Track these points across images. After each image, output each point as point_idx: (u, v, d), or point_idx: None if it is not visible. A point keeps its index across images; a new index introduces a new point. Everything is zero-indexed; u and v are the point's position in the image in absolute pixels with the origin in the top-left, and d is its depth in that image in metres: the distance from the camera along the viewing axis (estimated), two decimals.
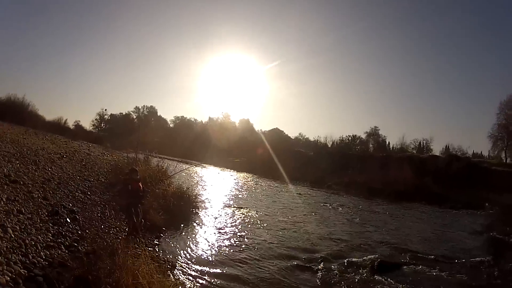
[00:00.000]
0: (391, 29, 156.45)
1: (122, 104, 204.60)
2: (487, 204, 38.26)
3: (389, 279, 11.48)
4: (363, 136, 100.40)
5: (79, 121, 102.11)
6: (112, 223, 9.98)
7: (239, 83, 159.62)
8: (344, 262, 12.82)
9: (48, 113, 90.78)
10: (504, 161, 67.10)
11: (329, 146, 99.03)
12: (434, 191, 42.68)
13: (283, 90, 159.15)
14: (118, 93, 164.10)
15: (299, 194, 36.17)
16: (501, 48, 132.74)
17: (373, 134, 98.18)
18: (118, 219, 10.73)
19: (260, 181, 46.34)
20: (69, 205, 11.55)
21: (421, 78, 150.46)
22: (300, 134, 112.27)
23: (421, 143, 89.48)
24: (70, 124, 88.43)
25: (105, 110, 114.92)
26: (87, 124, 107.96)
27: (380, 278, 11.59)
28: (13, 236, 7.59)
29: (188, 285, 8.71)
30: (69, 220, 10.09)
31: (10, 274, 6.06)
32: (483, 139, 72.71)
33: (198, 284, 8.99)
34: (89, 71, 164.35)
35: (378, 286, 10.95)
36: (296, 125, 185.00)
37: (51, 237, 8.44)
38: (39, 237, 8.14)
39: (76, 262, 7.22)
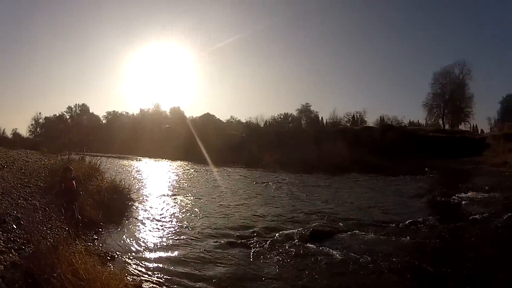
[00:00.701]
0: (319, 10, 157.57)
1: (57, 104, 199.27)
2: (426, 169, 39.40)
3: (320, 247, 12.05)
4: (295, 113, 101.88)
5: (17, 129, 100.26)
6: (53, 223, 10.55)
7: (169, 72, 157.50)
8: (277, 235, 13.47)
9: None
10: (442, 127, 70.18)
11: (262, 126, 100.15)
12: (370, 162, 43.96)
13: (212, 75, 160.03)
14: (51, 94, 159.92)
15: (232, 175, 37.23)
16: (432, 20, 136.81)
17: (305, 110, 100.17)
18: (59, 220, 11.13)
19: (193, 167, 46.86)
20: (13, 212, 11.96)
21: (351, 51, 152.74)
22: (231, 117, 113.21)
23: (355, 116, 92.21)
24: (8, 133, 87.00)
25: (40, 113, 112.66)
26: (24, 131, 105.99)
27: (312, 245, 12.19)
28: None
29: (127, 273, 9.41)
30: (15, 226, 10.66)
31: None
32: (417, 108, 75.35)
33: (136, 271, 9.82)
34: (17, 73, 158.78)
35: (310, 253, 11.49)
36: (229, 109, 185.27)
37: (2, 243, 9.16)
38: None
39: (25, 262, 8.17)
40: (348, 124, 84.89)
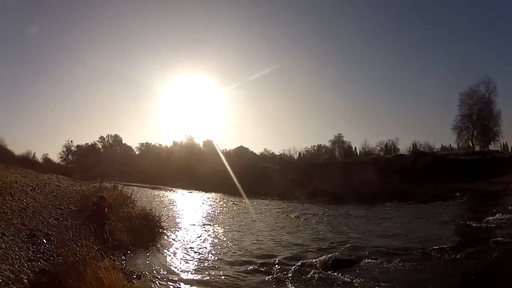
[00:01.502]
0: (343, 37, 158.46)
1: (88, 134, 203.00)
2: (457, 194, 38.55)
3: (342, 274, 12.20)
4: (328, 144, 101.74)
5: (47, 154, 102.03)
6: (83, 242, 11.22)
7: (202, 105, 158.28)
8: (300, 263, 13.70)
9: (15, 146, 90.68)
10: (473, 150, 69.13)
11: (295, 158, 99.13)
12: (401, 189, 43.03)
13: (246, 108, 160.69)
14: (84, 124, 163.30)
15: (263, 207, 37.28)
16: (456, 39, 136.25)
17: (338, 141, 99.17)
18: (88, 239, 11.82)
19: (225, 199, 47.12)
20: (44, 229, 12.99)
21: (381, 80, 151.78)
22: (265, 149, 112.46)
23: (388, 144, 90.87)
24: (39, 157, 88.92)
25: (71, 141, 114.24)
26: (55, 157, 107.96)
27: (334, 274, 12.35)
28: (0, 252, 9.23)
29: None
30: (45, 241, 11.58)
31: (1, 277, 7.76)
32: (449, 132, 73.81)
33: None
34: (52, 102, 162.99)
35: (329, 281, 11.72)
36: (262, 142, 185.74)
37: (31, 253, 10.03)
38: (21, 253, 9.74)
39: (53, 269, 8.88)
40: (381, 153, 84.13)
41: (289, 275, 12.48)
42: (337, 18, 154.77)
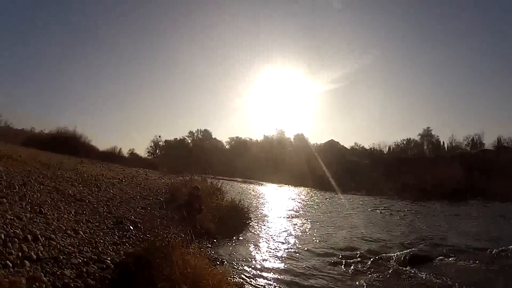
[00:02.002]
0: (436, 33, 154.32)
1: (176, 130, 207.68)
2: None
3: (418, 270, 12.35)
4: (417, 138, 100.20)
5: (134, 149, 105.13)
6: (171, 230, 11.40)
7: (294, 98, 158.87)
8: (379, 257, 13.84)
9: (100, 144, 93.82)
10: None
11: (385, 152, 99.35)
12: (484, 187, 42.58)
13: (337, 102, 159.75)
14: (170, 120, 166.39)
15: (351, 202, 37.65)
16: None
17: (426, 135, 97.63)
18: (176, 228, 12.06)
19: (315, 194, 47.67)
20: (131, 217, 13.56)
21: (468, 75, 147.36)
22: (355, 143, 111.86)
23: (474, 139, 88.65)
24: (125, 153, 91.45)
25: (159, 136, 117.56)
26: (142, 152, 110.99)
27: (410, 269, 12.48)
28: (84, 236, 9.62)
29: (234, 275, 10.21)
30: (132, 228, 12.07)
31: (82, 258, 8.05)
32: None
33: (242, 275, 10.57)
34: (139, 99, 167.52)
35: (405, 276, 11.88)
36: (353, 135, 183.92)
37: (117, 238, 10.49)
38: (106, 237, 10.14)
39: (139, 251, 9.03)
40: (468, 148, 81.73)
41: (367, 268, 12.73)
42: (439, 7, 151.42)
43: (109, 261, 8.33)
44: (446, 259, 13.94)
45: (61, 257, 7.64)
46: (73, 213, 11.76)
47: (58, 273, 6.94)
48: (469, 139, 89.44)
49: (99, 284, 7.08)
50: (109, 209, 14.00)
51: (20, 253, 7.30)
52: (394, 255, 14.14)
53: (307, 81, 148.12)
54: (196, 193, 15.34)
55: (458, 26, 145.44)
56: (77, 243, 8.85)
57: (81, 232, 9.81)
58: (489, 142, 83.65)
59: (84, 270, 7.46)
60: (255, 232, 17.81)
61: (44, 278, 6.46)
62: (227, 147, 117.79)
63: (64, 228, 9.74)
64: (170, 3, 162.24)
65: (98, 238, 9.82)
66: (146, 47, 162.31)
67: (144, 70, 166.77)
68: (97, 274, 7.45)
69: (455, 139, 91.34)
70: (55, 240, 8.52)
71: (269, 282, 10.34)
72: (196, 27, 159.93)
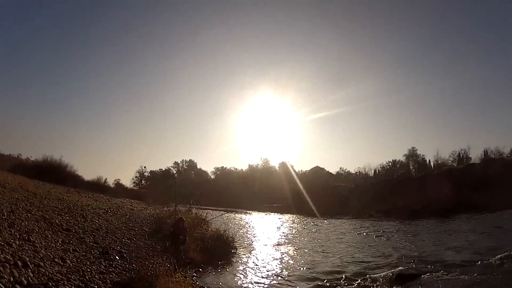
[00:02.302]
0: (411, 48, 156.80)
1: (161, 160, 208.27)
2: None
3: None
4: (403, 159, 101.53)
5: (119, 179, 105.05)
6: (156, 260, 11.66)
7: (276, 127, 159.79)
8: (364, 279, 14.12)
9: (86, 173, 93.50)
10: None
11: (371, 175, 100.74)
12: (473, 200, 42.98)
13: (319, 130, 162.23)
14: (156, 150, 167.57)
15: (337, 226, 38.03)
16: None
17: (412, 155, 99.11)
18: (161, 258, 12.34)
19: (300, 220, 47.86)
20: (117, 247, 13.82)
21: (449, 91, 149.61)
22: (341, 168, 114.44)
23: (460, 154, 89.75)
24: (110, 182, 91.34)
25: (144, 167, 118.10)
26: (127, 182, 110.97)
27: None
28: (71, 264, 9.88)
29: None
30: (117, 258, 12.31)
31: (70, 286, 8.33)
32: None
33: None
34: (124, 130, 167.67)
35: None
36: (338, 161, 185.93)
37: (103, 267, 10.70)
38: (93, 266, 10.39)
39: (125, 281, 9.31)
40: (454, 164, 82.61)
41: None
42: (411, 30, 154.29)
43: None
44: (433, 275, 14.08)
45: (50, 284, 7.89)
46: (60, 242, 11.96)
47: None
48: (455, 155, 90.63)
49: None
50: (95, 239, 14.21)
51: (11, 278, 7.57)
52: (380, 276, 14.33)
53: (291, 111, 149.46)
54: (181, 224, 15.70)
55: (435, 43, 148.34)
56: (65, 271, 9.07)
57: (68, 261, 10.03)
58: (476, 155, 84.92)
59: None
60: (241, 261, 18.04)
61: None
62: (212, 177, 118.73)
63: (52, 256, 9.96)
64: (155, 33, 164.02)
65: (85, 267, 10.04)
66: (131, 78, 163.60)
67: (130, 100, 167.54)
68: None
69: (440, 156, 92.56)
70: (44, 267, 8.76)
71: None
72: (181, 58, 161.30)
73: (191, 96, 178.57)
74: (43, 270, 8.53)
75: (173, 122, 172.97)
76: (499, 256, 15.60)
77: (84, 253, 11.53)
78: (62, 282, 8.25)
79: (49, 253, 10.17)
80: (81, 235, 14.05)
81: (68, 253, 11.01)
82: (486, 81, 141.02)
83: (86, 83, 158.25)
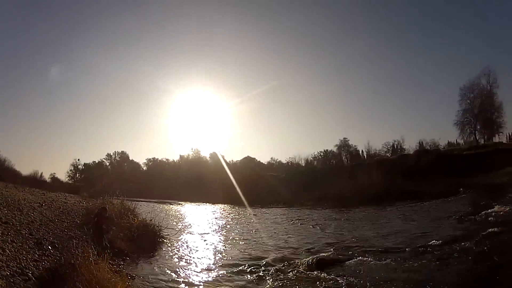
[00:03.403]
0: (345, 46, 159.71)
1: (95, 151, 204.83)
2: (460, 189, 39.61)
3: (325, 274, 13.15)
4: (335, 149, 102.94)
5: (55, 173, 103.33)
6: (84, 249, 12.71)
7: (208, 117, 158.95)
8: (285, 264, 14.92)
9: (23, 168, 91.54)
10: (476, 144, 68.63)
11: (303, 165, 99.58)
12: (405, 189, 43.44)
13: (251, 119, 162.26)
14: (90, 141, 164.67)
15: (266, 215, 38.77)
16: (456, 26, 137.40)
17: (344, 145, 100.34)
18: (89, 247, 13.42)
19: (231, 209, 49.19)
20: (50, 238, 14.82)
21: (381, 83, 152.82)
22: (272, 158, 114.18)
23: (394, 145, 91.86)
24: (46, 177, 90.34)
25: (78, 160, 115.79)
26: (62, 175, 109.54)
27: (317, 273, 13.36)
28: (9, 253, 11.04)
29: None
30: (50, 248, 13.41)
31: (9, 271, 9.57)
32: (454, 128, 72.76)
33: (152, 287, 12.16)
34: (58, 122, 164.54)
35: (312, 280, 12.69)
36: (269, 150, 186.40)
37: (37, 256, 11.90)
38: (28, 255, 11.55)
39: (56, 268, 10.64)
40: (388, 155, 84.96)
41: (272, 274, 13.78)
42: (335, 19, 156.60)
43: (30, 274, 9.81)
44: (356, 260, 14.84)
45: None
46: None
47: None
48: (389, 146, 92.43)
49: None
50: (30, 231, 15.10)
51: None
52: (301, 261, 15.10)
53: (221, 101, 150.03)
54: (104, 214, 16.15)
55: (366, 34, 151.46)
56: (5, 259, 10.28)
57: (7, 250, 11.18)
58: (410, 146, 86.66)
59: (12, 280, 8.95)
60: (167, 249, 19.23)
61: None
62: (144, 168, 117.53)
63: None
64: (83, 23, 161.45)
65: (22, 256, 11.19)
66: (65, 68, 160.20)
67: (63, 92, 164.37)
68: (22, 285, 9.02)
69: (372, 146, 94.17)
70: None
71: None
72: (112, 48, 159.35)
73: (123, 88, 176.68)
74: None
75: (106, 114, 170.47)
76: (423, 244, 16.45)
77: (20, 244, 12.56)
78: (3, 268, 9.44)
79: None
80: (18, 228, 14.92)
81: (7, 243, 12.08)
82: (422, 76, 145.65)
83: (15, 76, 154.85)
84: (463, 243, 15.65)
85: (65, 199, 31.93)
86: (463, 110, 71.55)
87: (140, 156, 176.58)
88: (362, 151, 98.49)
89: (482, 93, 69.33)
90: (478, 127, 71.18)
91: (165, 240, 21.23)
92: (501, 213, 21.54)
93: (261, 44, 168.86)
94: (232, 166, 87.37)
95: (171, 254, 18.15)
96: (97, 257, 10.89)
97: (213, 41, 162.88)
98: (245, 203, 49.44)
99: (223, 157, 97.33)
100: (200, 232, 26.08)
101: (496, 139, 71.37)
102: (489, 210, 22.56)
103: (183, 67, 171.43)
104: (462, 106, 71.80)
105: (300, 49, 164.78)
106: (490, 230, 17.13)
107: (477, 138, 71.63)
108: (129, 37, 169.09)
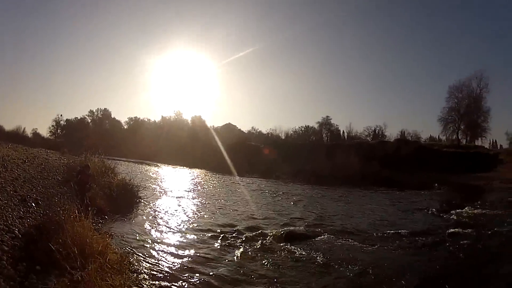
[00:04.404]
0: (339, 24, 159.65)
1: (78, 108, 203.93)
2: (436, 184, 40.45)
3: (292, 246, 13.78)
4: (316, 126, 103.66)
5: (37, 129, 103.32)
6: (66, 207, 13.13)
7: (192, 80, 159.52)
8: (255, 234, 15.53)
9: (6, 122, 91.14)
10: (458, 143, 70.84)
11: (282, 138, 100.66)
12: (381, 175, 45.04)
13: (235, 86, 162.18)
14: (74, 97, 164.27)
15: (243, 184, 39.25)
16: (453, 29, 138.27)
17: (325, 123, 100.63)
18: (71, 204, 13.72)
19: (209, 175, 49.29)
20: (33, 195, 15.12)
21: (371, 68, 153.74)
22: (252, 127, 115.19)
23: (376, 130, 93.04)
24: (29, 132, 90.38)
25: (61, 115, 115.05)
26: (44, 131, 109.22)
27: (284, 245, 14.03)
28: None
29: (120, 246, 12.36)
30: (34, 205, 13.79)
31: None
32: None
33: (128, 246, 12.68)
34: (41, 75, 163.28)
35: (279, 250, 13.34)
36: (250, 119, 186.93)
37: (22, 213, 12.29)
38: (14, 213, 11.92)
39: (40, 225, 11.16)
40: (369, 139, 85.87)
41: (242, 242, 14.46)
42: None
43: (17, 232, 10.24)
44: (323, 238, 15.40)
45: None
46: None
47: None
48: (370, 130, 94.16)
49: (11, 249, 9.03)
50: (15, 188, 15.40)
51: None
52: (271, 232, 15.72)
53: (207, 64, 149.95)
54: (87, 171, 16.75)
55: (358, 17, 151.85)
56: None
57: None
58: (391, 134, 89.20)
59: (0, 239, 9.46)
60: (144, 209, 19.91)
61: None
62: (125, 127, 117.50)
63: None
64: None
65: (7, 213, 11.57)
66: (48, 25, 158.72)
67: (49, 46, 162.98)
68: (9, 242, 9.42)
69: (353, 128, 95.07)
70: None
71: (151, 251, 12.39)
72: (100, 4, 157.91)
73: (109, 43, 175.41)
74: None
75: (90, 72, 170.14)
76: (389, 231, 16.81)
77: (6, 201, 12.87)
78: None
79: None
80: (3, 184, 15.25)
81: None
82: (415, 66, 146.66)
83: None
84: (425, 238, 16.03)
85: (47, 155, 32.13)
86: (449, 108, 73.67)
87: (122, 115, 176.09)
88: (343, 131, 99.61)
89: (471, 95, 70.50)
90: (462, 127, 72.25)
91: (142, 201, 21.87)
92: (471, 215, 21.94)
93: (250, 5, 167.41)
94: (214, 131, 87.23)
95: (148, 215, 18.72)
96: (81, 214, 11.27)
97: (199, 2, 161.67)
98: (233, 170, 50.06)
99: (204, 122, 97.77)
100: (177, 196, 26.64)
101: (478, 142, 72.71)
102: (459, 210, 22.98)
103: (168, 29, 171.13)
104: (448, 104, 73.69)
105: (291, 16, 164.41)
106: (454, 230, 17.48)
107: (459, 137, 72.99)
108: None
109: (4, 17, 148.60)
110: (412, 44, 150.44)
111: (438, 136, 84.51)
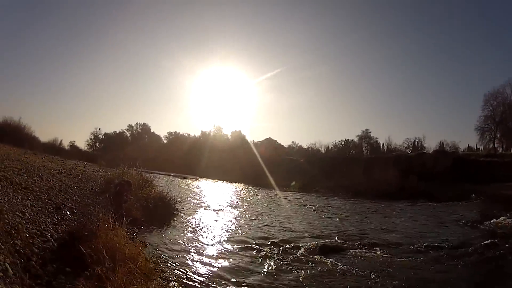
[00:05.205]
0: (376, 39, 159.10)
1: (116, 122, 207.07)
2: (472, 195, 39.61)
3: (326, 258, 13.73)
4: (356, 139, 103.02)
5: (74, 141, 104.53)
6: (101, 216, 13.16)
7: (231, 95, 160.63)
8: (290, 246, 15.54)
9: (43, 134, 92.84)
10: (494, 152, 68.70)
11: (322, 152, 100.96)
12: (418, 188, 44.21)
13: (275, 101, 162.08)
14: (112, 111, 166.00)
15: (283, 198, 38.69)
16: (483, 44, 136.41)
17: (365, 137, 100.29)
18: (106, 214, 13.76)
19: (249, 189, 49.23)
20: (68, 204, 15.34)
21: (409, 80, 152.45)
22: (293, 142, 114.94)
23: (415, 142, 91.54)
24: (65, 144, 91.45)
25: (99, 129, 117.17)
26: (82, 144, 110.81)
27: (318, 257, 13.99)
28: (29, 217, 11.49)
29: (154, 255, 12.35)
30: (68, 213, 13.99)
31: (27, 233, 9.97)
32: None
33: (162, 256, 12.80)
34: (81, 91, 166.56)
35: (312, 262, 13.39)
36: (290, 134, 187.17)
37: (56, 220, 12.43)
38: (47, 219, 12.05)
39: (74, 232, 11.12)
40: (408, 151, 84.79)
41: (277, 254, 14.44)
42: (368, 10, 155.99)
43: (49, 236, 10.33)
44: (358, 251, 15.24)
45: (13, 232, 9.50)
46: (20, 198, 13.38)
47: (11, 242, 8.91)
48: (409, 142, 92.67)
49: (42, 251, 9.13)
50: (50, 196, 15.55)
51: None
52: (305, 245, 15.69)
53: (247, 80, 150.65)
54: (126, 186, 16.78)
55: (397, 29, 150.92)
56: (24, 222, 10.67)
57: (27, 214, 11.61)
58: (430, 145, 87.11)
59: (31, 241, 9.43)
60: (181, 222, 19.96)
61: (2, 245, 8.46)
62: (165, 141, 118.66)
63: (13, 210, 11.50)
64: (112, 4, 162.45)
65: (41, 219, 11.68)
66: (90, 40, 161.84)
67: (88, 62, 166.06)
68: (40, 245, 9.50)
69: (393, 141, 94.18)
70: (7, 219, 10.30)
71: (184, 260, 12.45)
72: (137, 19, 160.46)
73: (147, 59, 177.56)
74: (7, 221, 10.06)
75: (130, 85, 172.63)
76: (426, 244, 16.56)
77: (40, 208, 13.02)
78: (22, 230, 9.90)
79: (11, 208, 11.69)
80: (38, 193, 15.32)
81: (27, 207, 12.48)
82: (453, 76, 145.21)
83: (41, 44, 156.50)
84: (463, 249, 15.88)
85: (84, 167, 32.45)
86: (485, 116, 72.19)
87: (161, 129, 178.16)
88: (382, 144, 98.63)
89: (505, 102, 68.90)
90: (498, 135, 70.82)
91: (179, 213, 21.90)
92: (506, 225, 21.73)
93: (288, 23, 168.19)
94: (254, 146, 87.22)
95: (184, 227, 18.76)
96: (115, 223, 11.37)
97: (238, 18, 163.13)
98: (273, 184, 49.99)
99: (244, 136, 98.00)
100: (215, 209, 26.58)
101: None
102: (496, 220, 22.82)
103: (209, 43, 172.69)
104: (484, 112, 72.00)
105: (328, 32, 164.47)
106: (491, 240, 17.14)
107: (496, 146, 71.63)
108: (153, 13, 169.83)
109: (47, 30, 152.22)
110: (448, 54, 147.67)
111: (476, 146, 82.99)
